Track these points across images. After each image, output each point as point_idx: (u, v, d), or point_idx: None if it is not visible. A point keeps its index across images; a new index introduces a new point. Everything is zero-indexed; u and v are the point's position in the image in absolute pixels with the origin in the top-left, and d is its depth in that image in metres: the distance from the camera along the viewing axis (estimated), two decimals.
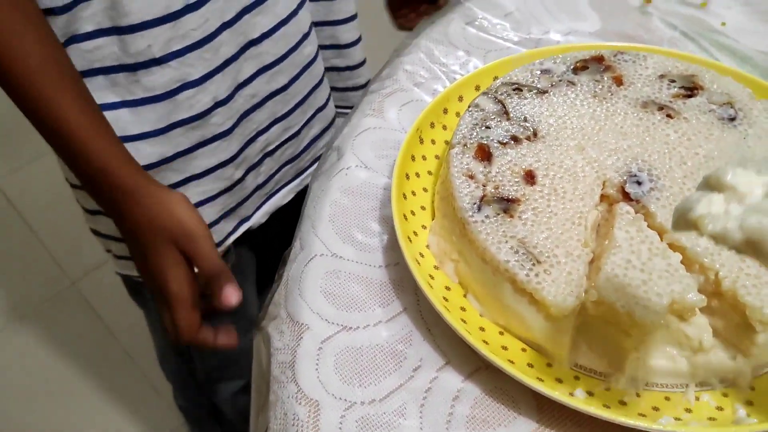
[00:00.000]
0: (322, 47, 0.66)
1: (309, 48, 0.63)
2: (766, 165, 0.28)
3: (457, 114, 0.54)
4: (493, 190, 0.44)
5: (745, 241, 0.27)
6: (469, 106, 0.50)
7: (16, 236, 1.74)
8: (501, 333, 0.42)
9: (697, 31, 0.63)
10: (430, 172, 0.52)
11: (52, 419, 1.41)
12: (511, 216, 0.42)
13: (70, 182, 0.64)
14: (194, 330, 0.51)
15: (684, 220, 0.29)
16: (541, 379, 0.39)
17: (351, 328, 0.45)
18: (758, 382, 0.39)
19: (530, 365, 0.40)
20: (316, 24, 0.65)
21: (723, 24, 0.64)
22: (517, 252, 0.41)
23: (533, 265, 0.40)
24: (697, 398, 0.39)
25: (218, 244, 0.65)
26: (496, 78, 0.55)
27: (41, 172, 1.88)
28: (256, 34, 0.57)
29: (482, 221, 0.42)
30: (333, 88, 0.71)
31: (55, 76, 0.47)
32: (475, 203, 0.43)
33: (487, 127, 0.48)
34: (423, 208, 0.49)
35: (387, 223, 0.50)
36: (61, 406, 1.42)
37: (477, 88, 0.55)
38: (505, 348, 0.41)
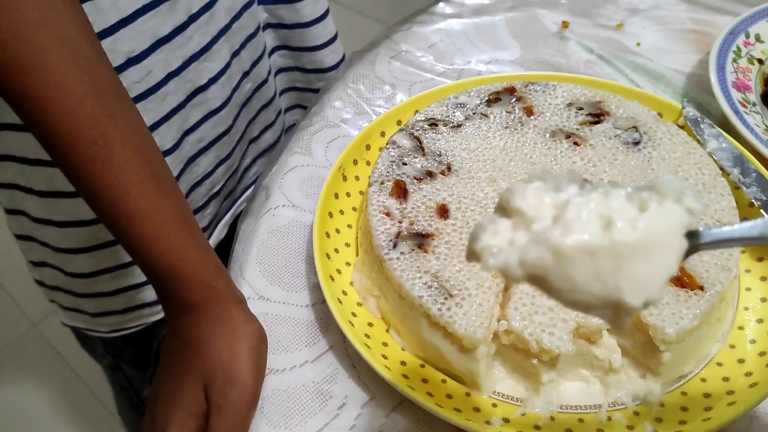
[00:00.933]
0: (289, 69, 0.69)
1: (249, 85, 0.65)
2: (570, 179, 0.24)
3: (380, 149, 0.56)
4: (408, 226, 0.45)
5: (528, 276, 0.24)
6: (386, 144, 0.51)
7: None
8: (422, 366, 0.43)
9: (612, 53, 0.66)
10: (354, 209, 0.53)
11: None
12: (426, 251, 0.44)
13: (13, 232, 0.63)
14: None
15: (471, 251, 0.25)
16: (458, 410, 0.40)
17: (278, 370, 0.45)
18: (668, 398, 0.41)
19: (449, 396, 0.41)
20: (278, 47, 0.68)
21: (638, 44, 0.67)
22: (430, 287, 0.42)
23: (445, 299, 0.41)
24: (610, 418, 0.40)
25: None
26: (417, 112, 0.57)
27: None
28: (203, 81, 0.58)
29: (397, 258, 0.43)
30: (295, 89, 0.73)
31: (119, 137, 0.39)
32: (390, 240, 0.45)
33: (404, 164, 0.49)
34: (347, 245, 0.50)
35: (313, 263, 0.51)
36: None
37: (398, 122, 0.56)
38: (425, 381, 0.42)
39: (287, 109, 0.77)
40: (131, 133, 0.39)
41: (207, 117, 0.60)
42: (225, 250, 0.57)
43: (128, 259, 0.60)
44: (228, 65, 0.61)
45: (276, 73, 0.72)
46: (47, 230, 0.58)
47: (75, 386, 1.50)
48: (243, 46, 0.62)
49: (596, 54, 0.66)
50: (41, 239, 0.60)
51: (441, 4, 0.73)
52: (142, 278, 0.62)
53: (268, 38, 0.68)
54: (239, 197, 0.72)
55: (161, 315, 0.64)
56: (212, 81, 0.59)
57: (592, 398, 0.41)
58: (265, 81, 0.68)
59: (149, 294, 0.64)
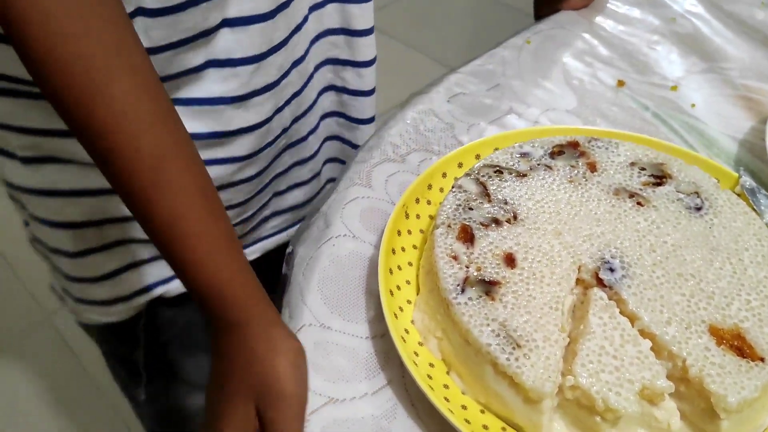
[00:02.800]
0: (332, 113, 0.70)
1: (284, 141, 0.66)
2: None
3: (441, 189, 0.57)
4: (475, 272, 0.47)
5: None
6: (453, 187, 0.53)
7: None
8: (482, 411, 0.45)
9: (668, 113, 0.67)
10: (415, 246, 0.54)
11: None
12: (493, 299, 0.45)
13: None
14: None
15: None
16: None
17: (337, 400, 0.47)
18: None
19: None
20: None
21: (693, 106, 0.68)
22: (498, 335, 0.43)
23: (513, 349, 0.42)
24: None
25: None
26: (478, 156, 0.58)
27: (10, 206, 1.87)
28: (231, 127, 0.58)
29: (465, 303, 0.45)
30: (337, 138, 0.74)
31: (176, 166, 0.40)
32: (458, 285, 0.46)
33: (470, 209, 0.51)
34: (408, 282, 0.52)
35: (373, 295, 0.53)
36: None
37: (460, 165, 0.58)
38: (486, 427, 0.43)
39: (326, 161, 0.76)
40: (189, 159, 0.42)
41: (228, 161, 0.60)
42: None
43: (113, 238, 0.60)
44: (268, 120, 0.60)
45: (324, 140, 0.72)
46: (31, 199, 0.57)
47: (81, 381, 1.50)
48: (287, 102, 0.62)
49: (652, 112, 0.67)
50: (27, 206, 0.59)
51: (500, 49, 0.75)
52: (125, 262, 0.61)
53: (326, 101, 0.68)
54: (248, 245, 0.71)
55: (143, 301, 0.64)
56: (243, 131, 0.59)
57: None
58: (304, 139, 0.68)
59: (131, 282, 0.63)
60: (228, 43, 0.53)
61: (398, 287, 0.51)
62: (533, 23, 0.81)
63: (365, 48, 0.66)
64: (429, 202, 0.57)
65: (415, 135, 0.65)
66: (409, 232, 0.54)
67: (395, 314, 0.48)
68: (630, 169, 0.53)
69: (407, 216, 0.55)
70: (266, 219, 0.71)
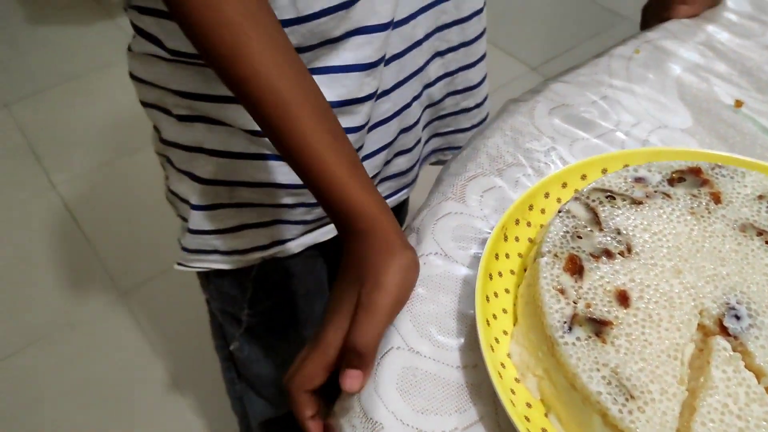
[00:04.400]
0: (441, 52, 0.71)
1: (388, 105, 0.67)
2: None
3: (543, 211, 0.54)
4: (584, 309, 0.43)
5: None
6: (559, 212, 0.49)
7: (70, 244, 1.79)
8: None
9: None
10: (512, 272, 0.51)
11: (88, 424, 1.43)
12: (604, 341, 0.41)
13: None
14: (309, 384, 0.48)
15: None
16: None
17: None
18: None
19: None
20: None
21: None
22: (609, 383, 0.40)
23: (626, 400, 0.39)
24: None
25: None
26: (584, 177, 0.55)
27: (101, 180, 1.93)
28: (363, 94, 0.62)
29: (573, 344, 0.42)
30: (453, 92, 0.76)
31: (305, 99, 0.48)
32: (565, 322, 0.43)
33: (579, 237, 0.47)
34: (504, 311, 0.49)
35: (465, 320, 0.50)
36: (97, 415, 1.45)
37: (564, 185, 0.54)
38: None
39: (427, 140, 0.77)
40: (314, 95, 0.49)
41: (351, 130, 0.62)
42: None
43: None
44: (377, 90, 0.62)
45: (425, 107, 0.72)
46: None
47: (150, 361, 1.54)
48: (388, 63, 0.63)
49: None
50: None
51: (605, 57, 0.70)
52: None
53: (434, 66, 0.69)
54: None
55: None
56: (369, 97, 0.62)
57: None
58: (408, 105, 0.68)
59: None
60: (365, 11, 0.57)
61: (494, 316, 0.48)
62: (639, 31, 0.76)
63: (474, 23, 0.70)
64: (529, 224, 0.53)
65: (513, 148, 0.62)
66: (507, 256, 0.51)
67: (491, 346, 0.45)
68: (758, 202, 0.49)
69: (506, 238, 0.51)
70: None
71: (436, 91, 0.73)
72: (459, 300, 0.51)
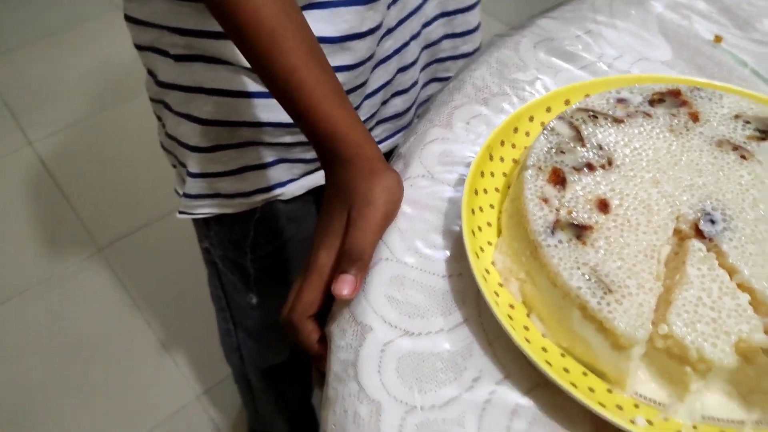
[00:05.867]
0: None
1: (390, 42, 0.68)
2: None
3: (527, 134, 0.55)
4: (566, 216, 0.45)
5: None
6: (544, 129, 0.51)
7: (47, 200, 1.77)
8: (562, 355, 0.43)
9: (767, 70, 0.64)
10: (497, 189, 0.53)
11: (69, 380, 1.43)
12: (584, 243, 0.43)
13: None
14: (311, 310, 0.49)
15: None
16: (602, 404, 0.40)
17: (413, 333, 0.46)
18: None
19: (591, 389, 0.41)
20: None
21: None
22: (589, 279, 0.41)
23: (605, 293, 0.41)
24: None
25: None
26: (567, 102, 0.56)
27: (77, 137, 1.91)
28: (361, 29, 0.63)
29: (555, 246, 0.43)
30: (451, 35, 0.76)
31: (290, 30, 0.48)
32: (548, 227, 0.44)
33: (562, 152, 0.49)
34: (489, 224, 0.50)
35: (450, 236, 0.51)
36: (78, 370, 1.45)
37: (548, 110, 0.56)
38: (566, 370, 0.42)
39: (425, 84, 0.78)
40: (300, 26, 0.50)
41: (351, 67, 0.63)
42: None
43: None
44: (379, 25, 0.61)
45: (423, 48, 0.73)
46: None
47: (131, 313, 1.54)
48: (395, 2, 0.64)
49: (750, 69, 0.64)
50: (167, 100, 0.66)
51: None
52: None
53: (431, 5, 0.70)
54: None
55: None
56: (371, 32, 0.62)
57: (734, 414, 0.41)
58: (407, 44, 0.68)
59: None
60: None
61: (479, 228, 0.49)
62: None
63: None
64: (513, 146, 0.55)
65: (499, 79, 0.63)
66: (492, 174, 0.53)
67: (476, 254, 0.47)
68: (734, 121, 0.51)
69: (491, 158, 0.53)
70: (371, 129, 0.74)
71: (434, 31, 0.73)
72: (445, 217, 0.53)
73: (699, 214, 0.45)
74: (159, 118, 0.71)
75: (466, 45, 0.77)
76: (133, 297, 1.58)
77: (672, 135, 0.50)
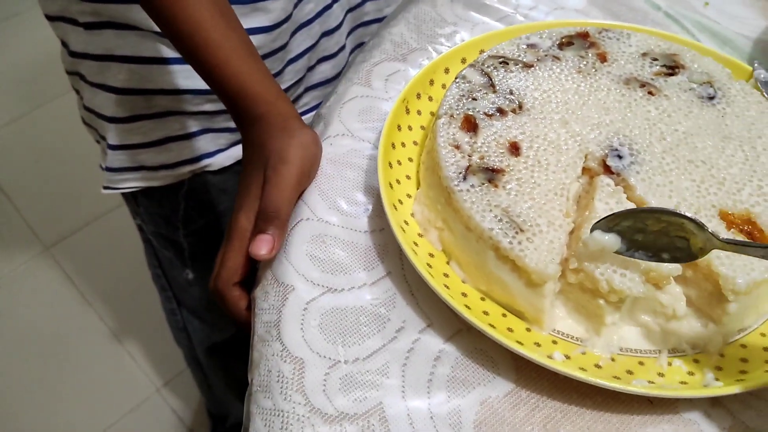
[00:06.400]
0: None
1: (311, 5, 0.66)
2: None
3: (443, 86, 0.55)
4: (478, 161, 0.45)
5: None
6: (456, 78, 0.51)
7: None
8: (482, 299, 0.44)
9: (679, 12, 0.65)
10: (415, 143, 0.52)
11: (24, 380, 1.40)
12: (496, 186, 0.43)
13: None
14: (236, 276, 0.48)
15: None
16: (520, 343, 0.40)
17: (336, 290, 0.46)
18: (728, 349, 0.41)
19: (510, 330, 0.42)
20: None
21: (706, 4, 0.65)
22: (500, 220, 0.42)
23: (516, 233, 0.41)
24: (670, 364, 0.41)
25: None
26: (482, 51, 0.56)
27: (13, 136, 1.85)
28: None
29: (467, 190, 0.43)
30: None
31: None
32: (460, 173, 0.44)
33: (474, 99, 0.49)
34: (408, 177, 0.50)
35: (371, 192, 0.51)
36: (34, 370, 1.42)
37: (463, 60, 0.56)
38: (486, 313, 0.42)
39: (353, 49, 0.77)
40: None
41: (267, 29, 0.61)
42: None
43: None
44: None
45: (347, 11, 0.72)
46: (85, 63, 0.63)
47: (83, 310, 1.51)
48: None
49: (663, 11, 0.65)
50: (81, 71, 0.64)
51: None
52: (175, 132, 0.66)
53: None
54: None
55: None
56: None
57: (652, 344, 0.42)
58: (329, 6, 0.68)
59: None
60: None
61: (398, 181, 0.49)
62: None
63: None
64: (430, 98, 0.54)
65: (417, 34, 0.63)
66: (410, 127, 0.53)
67: (394, 206, 0.46)
68: (642, 59, 0.51)
69: (408, 111, 0.53)
70: (300, 96, 0.72)
71: None
72: (366, 174, 0.52)
73: (606, 151, 0.45)
74: (77, 91, 0.69)
75: (390, 7, 0.76)
76: (84, 294, 1.55)
77: (580, 76, 0.50)
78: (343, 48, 0.74)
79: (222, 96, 0.50)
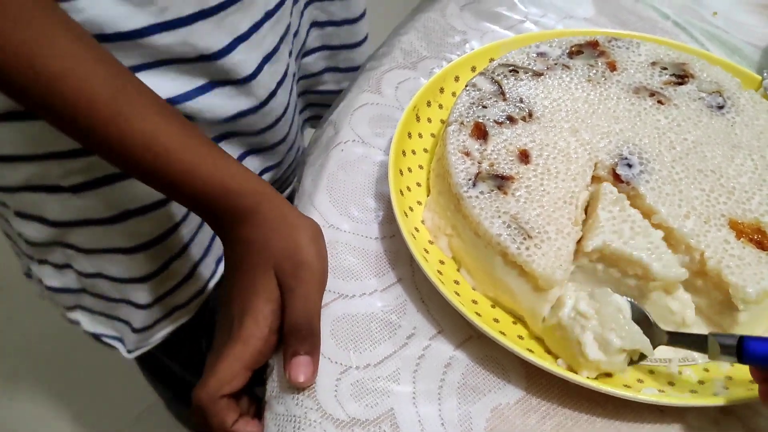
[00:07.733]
0: (320, 23, 0.66)
1: (297, 87, 0.64)
2: None
3: (453, 94, 0.56)
4: (488, 168, 0.45)
5: None
6: (466, 86, 0.51)
7: None
8: (493, 306, 0.44)
9: (688, 21, 0.65)
10: (425, 150, 0.53)
11: (30, 387, 1.40)
12: (505, 193, 0.44)
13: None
14: (227, 388, 0.40)
15: None
16: (531, 350, 0.40)
17: (347, 296, 0.46)
18: None
19: (520, 337, 0.42)
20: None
21: (714, 14, 0.66)
22: (509, 227, 0.42)
23: (524, 239, 0.41)
24: (680, 372, 0.41)
25: None
26: (492, 60, 0.56)
27: None
28: (273, 86, 0.56)
29: (476, 197, 0.44)
30: (334, 69, 0.71)
31: (134, 92, 0.40)
32: (470, 179, 0.45)
33: (484, 107, 0.49)
34: (418, 184, 0.51)
35: (382, 199, 0.51)
36: (40, 376, 1.42)
37: (473, 69, 0.56)
38: (496, 320, 0.43)
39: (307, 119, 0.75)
40: (140, 83, 0.41)
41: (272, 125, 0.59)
42: None
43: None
44: (288, 67, 0.59)
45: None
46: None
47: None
48: (293, 45, 0.60)
49: (672, 20, 0.65)
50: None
51: None
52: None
53: (311, 37, 0.66)
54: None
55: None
56: (279, 84, 0.57)
57: (661, 353, 0.42)
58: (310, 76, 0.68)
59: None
60: None
61: (408, 188, 0.49)
62: None
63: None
64: (441, 106, 0.55)
65: (426, 43, 0.63)
66: (420, 135, 0.53)
67: (405, 213, 0.47)
68: (651, 68, 0.51)
69: (418, 119, 0.53)
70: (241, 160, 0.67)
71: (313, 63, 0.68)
72: (376, 181, 0.53)
73: (616, 159, 0.45)
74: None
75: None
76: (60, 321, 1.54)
77: (590, 85, 0.50)
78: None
79: (193, 201, 0.43)
